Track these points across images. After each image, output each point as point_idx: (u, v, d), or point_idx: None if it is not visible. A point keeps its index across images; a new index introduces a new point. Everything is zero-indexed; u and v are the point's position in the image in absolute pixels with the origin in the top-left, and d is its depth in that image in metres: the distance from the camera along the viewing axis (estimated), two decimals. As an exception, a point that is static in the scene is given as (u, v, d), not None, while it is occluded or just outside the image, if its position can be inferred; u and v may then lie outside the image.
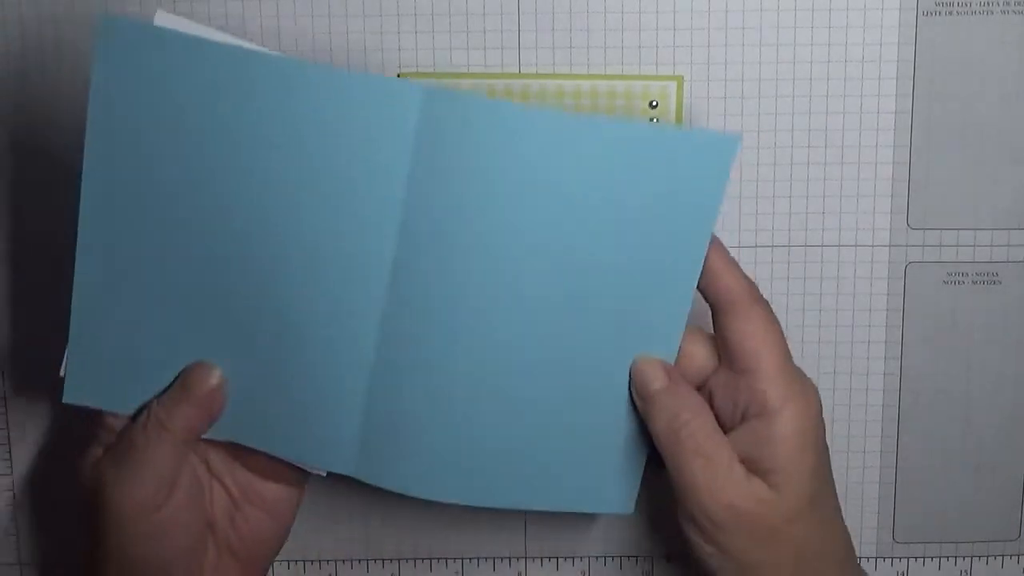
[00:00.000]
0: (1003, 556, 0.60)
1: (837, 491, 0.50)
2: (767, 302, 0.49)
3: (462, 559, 0.61)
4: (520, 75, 0.56)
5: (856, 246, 0.57)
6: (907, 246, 0.57)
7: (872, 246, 0.57)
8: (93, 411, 0.50)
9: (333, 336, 0.48)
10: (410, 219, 0.46)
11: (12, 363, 0.59)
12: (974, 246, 0.57)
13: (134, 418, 0.50)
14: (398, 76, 0.56)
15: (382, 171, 0.46)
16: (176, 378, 0.49)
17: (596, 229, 0.47)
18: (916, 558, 0.60)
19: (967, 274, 0.57)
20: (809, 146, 0.56)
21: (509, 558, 0.61)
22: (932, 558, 0.60)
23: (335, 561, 0.61)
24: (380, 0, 0.55)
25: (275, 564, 0.61)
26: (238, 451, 0.51)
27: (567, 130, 0.46)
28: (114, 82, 0.44)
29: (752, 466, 0.47)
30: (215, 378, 0.49)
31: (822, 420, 0.49)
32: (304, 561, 0.61)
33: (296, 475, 0.52)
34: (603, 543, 0.61)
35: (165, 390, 0.49)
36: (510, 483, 0.51)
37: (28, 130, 0.57)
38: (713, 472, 0.47)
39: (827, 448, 0.49)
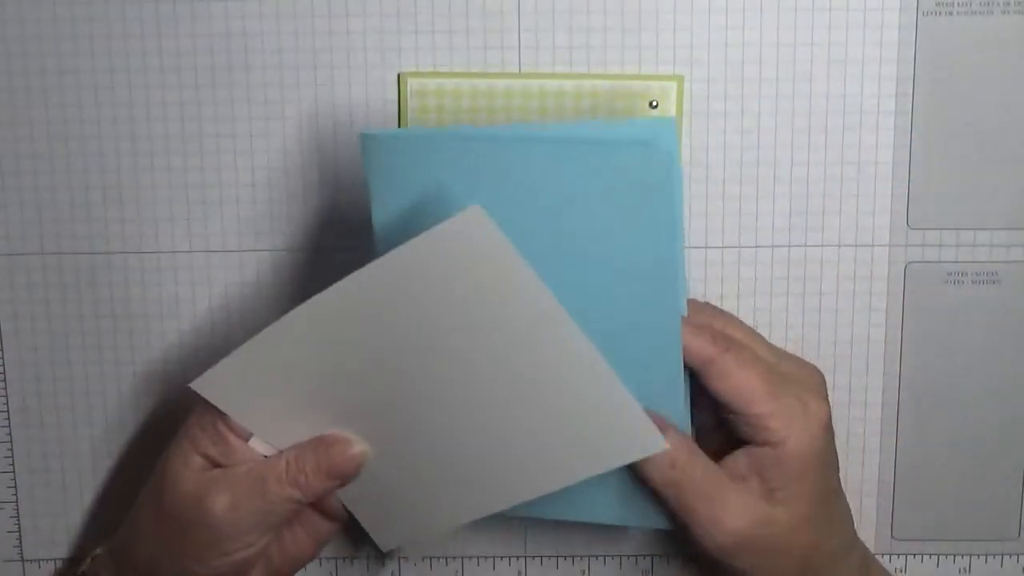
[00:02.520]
0: (1003, 555, 0.60)
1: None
2: (734, 346, 0.50)
3: (462, 559, 0.61)
4: (520, 75, 0.56)
5: (856, 246, 0.57)
6: (907, 246, 0.57)
7: (872, 246, 0.57)
8: (205, 418, 0.51)
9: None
10: None
11: (16, 364, 0.59)
12: (974, 246, 0.57)
13: (265, 457, 0.51)
14: (398, 76, 0.56)
15: None
16: (319, 443, 0.51)
17: (574, 256, 0.47)
18: (915, 555, 0.60)
19: (967, 274, 0.57)
20: (809, 146, 0.56)
21: (509, 558, 0.61)
22: (931, 555, 0.60)
23: (335, 559, 0.61)
24: (380, 0, 0.55)
25: (276, 562, 0.61)
26: None
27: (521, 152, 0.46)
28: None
29: (758, 484, 0.50)
30: (358, 454, 0.51)
31: (829, 430, 0.51)
32: (305, 559, 0.61)
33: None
34: (603, 543, 0.61)
35: (303, 446, 0.51)
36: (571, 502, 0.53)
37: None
38: (714, 508, 0.50)
39: (834, 450, 0.52)
